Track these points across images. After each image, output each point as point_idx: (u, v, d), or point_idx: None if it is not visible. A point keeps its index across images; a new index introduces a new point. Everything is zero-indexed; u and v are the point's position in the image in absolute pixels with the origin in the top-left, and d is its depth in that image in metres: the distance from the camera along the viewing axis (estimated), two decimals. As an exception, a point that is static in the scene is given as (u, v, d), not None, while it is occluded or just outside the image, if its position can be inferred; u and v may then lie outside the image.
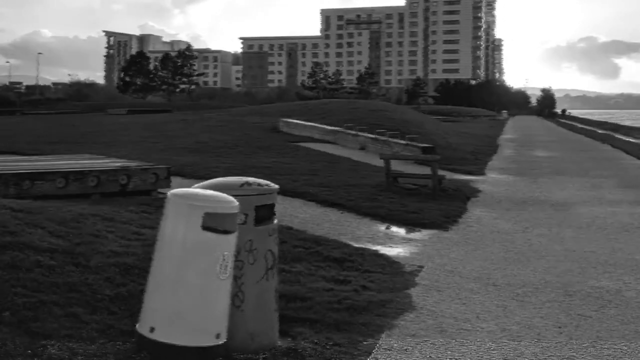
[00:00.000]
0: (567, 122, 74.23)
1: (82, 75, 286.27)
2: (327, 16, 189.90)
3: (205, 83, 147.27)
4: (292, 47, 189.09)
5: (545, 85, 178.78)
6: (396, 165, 14.58)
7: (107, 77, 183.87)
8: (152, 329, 3.85)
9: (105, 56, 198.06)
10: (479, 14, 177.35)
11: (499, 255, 7.91)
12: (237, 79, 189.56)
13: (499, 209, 11.57)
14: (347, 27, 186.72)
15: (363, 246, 7.98)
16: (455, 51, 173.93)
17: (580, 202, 12.58)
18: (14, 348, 3.86)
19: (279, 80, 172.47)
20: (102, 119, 41.06)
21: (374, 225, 9.68)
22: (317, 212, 10.38)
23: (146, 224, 7.26)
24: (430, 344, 4.74)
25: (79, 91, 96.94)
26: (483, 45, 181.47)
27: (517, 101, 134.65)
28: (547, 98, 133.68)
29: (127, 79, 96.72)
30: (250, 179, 4.33)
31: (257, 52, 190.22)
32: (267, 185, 4.34)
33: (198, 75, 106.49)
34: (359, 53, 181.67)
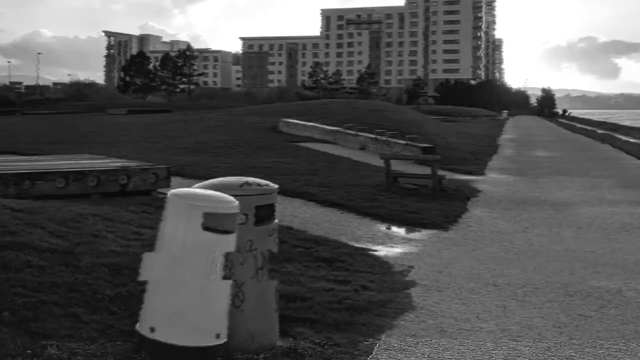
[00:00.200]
0: (567, 122, 74.21)
1: (82, 75, 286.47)
2: (327, 16, 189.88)
3: (205, 83, 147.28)
4: (292, 47, 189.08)
5: (545, 85, 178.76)
6: (396, 165, 14.58)
7: (107, 77, 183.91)
8: (152, 329, 3.85)
9: (105, 56, 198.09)
10: (479, 14, 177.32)
11: (499, 255, 7.91)
12: (237, 79, 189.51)
13: (499, 209, 11.57)
14: (347, 27, 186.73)
15: (363, 246, 7.99)
16: (455, 51, 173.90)
17: (580, 202, 12.58)
18: (14, 348, 3.86)
19: (279, 80, 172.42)
20: (102, 119, 41.07)
21: (374, 225, 9.69)
22: (317, 212, 10.38)
23: (146, 224, 7.27)
24: (430, 344, 4.74)
25: (79, 91, 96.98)
26: (483, 45, 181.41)
27: (517, 101, 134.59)
28: (547, 98, 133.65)
29: (127, 79, 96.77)
30: (250, 179, 4.33)
31: (257, 52, 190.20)
32: (267, 185, 4.35)
33: (198, 75, 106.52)
34: (359, 53, 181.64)
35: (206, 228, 3.82)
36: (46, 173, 9.83)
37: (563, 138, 40.01)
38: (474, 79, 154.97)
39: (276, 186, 4.41)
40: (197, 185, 4.24)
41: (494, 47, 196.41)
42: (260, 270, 4.26)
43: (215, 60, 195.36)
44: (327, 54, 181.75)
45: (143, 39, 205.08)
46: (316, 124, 26.49)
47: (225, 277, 3.90)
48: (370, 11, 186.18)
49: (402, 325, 5.09)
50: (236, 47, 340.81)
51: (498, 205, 12.10)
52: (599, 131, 40.92)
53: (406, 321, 5.21)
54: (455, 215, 10.56)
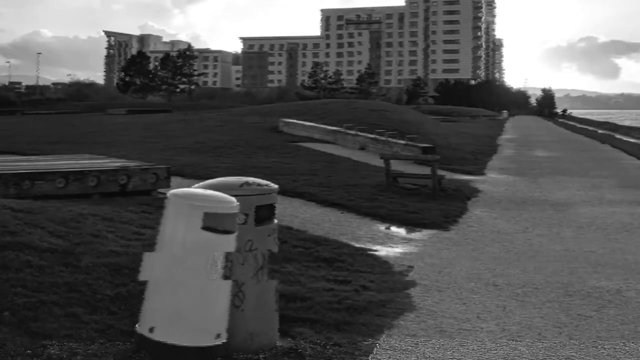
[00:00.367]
0: (568, 122, 74.20)
1: (82, 76, 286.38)
2: (327, 16, 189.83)
3: (205, 83, 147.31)
4: (292, 47, 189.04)
5: (545, 85, 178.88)
6: (396, 165, 14.58)
7: (107, 77, 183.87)
8: (152, 329, 3.84)
9: (105, 56, 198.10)
10: (479, 14, 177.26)
11: (499, 255, 7.91)
12: (237, 79, 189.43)
13: (499, 209, 11.57)
14: (347, 27, 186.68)
15: (363, 246, 7.99)
16: (455, 51, 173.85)
17: (580, 202, 12.58)
18: (14, 348, 3.86)
19: (279, 80, 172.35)
20: (102, 119, 41.08)
21: (374, 225, 9.69)
22: (317, 212, 10.38)
23: (146, 224, 7.26)
24: (431, 344, 4.74)
25: (79, 91, 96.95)
26: (483, 45, 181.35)
27: (517, 101, 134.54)
28: (547, 98, 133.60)
29: (127, 79, 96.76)
30: (250, 179, 4.33)
31: (257, 52, 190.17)
32: (267, 185, 4.34)
33: (198, 75, 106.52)
34: (359, 53, 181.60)
35: (206, 228, 3.82)
36: (46, 173, 9.83)
37: (563, 138, 40.00)
38: (474, 79, 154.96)
39: (276, 186, 4.41)
40: (197, 185, 4.24)
41: (494, 47, 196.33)
42: (261, 270, 4.26)
43: (215, 60, 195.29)
44: (327, 54, 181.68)
45: (143, 39, 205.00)
46: (316, 124, 26.49)
47: (225, 277, 3.90)
48: (370, 11, 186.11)
49: (402, 325, 5.09)
50: (236, 47, 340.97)
51: (498, 205, 12.10)
52: (600, 131, 40.90)
53: (406, 321, 5.21)
54: (455, 215, 10.56)
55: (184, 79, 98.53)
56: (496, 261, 7.58)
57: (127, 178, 10.30)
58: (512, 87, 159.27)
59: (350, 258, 7.11)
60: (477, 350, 4.63)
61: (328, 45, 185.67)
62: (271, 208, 4.33)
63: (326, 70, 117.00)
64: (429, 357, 4.50)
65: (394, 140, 20.94)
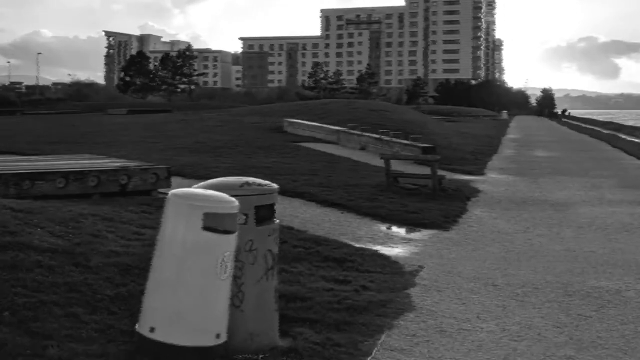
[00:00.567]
0: (571, 122, 74.17)
1: (82, 76, 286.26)
2: (327, 16, 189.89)
3: (205, 83, 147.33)
4: (292, 47, 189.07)
5: (545, 85, 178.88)
6: (396, 165, 14.58)
7: (107, 77, 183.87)
8: (152, 329, 3.84)
9: (105, 56, 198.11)
10: (479, 14, 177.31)
11: (498, 255, 7.91)
12: (237, 79, 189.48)
13: (499, 209, 11.57)
14: (347, 27, 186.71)
15: (363, 246, 7.98)
16: (455, 51, 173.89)
17: (580, 202, 12.58)
18: (14, 348, 3.86)
19: (279, 80, 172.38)
20: (102, 119, 41.08)
21: (374, 225, 9.68)
22: (317, 212, 10.38)
23: (146, 224, 7.27)
24: (430, 344, 4.74)
25: (79, 91, 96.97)
26: (483, 45, 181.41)
27: (517, 101, 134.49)
28: (547, 98, 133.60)
29: (127, 78, 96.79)
30: (250, 179, 4.33)
31: (257, 52, 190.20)
32: (267, 185, 4.34)
33: (198, 75, 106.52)
34: (359, 53, 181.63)
35: (206, 228, 3.82)
36: (46, 173, 9.82)
37: (564, 138, 39.98)
38: (474, 79, 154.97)
39: (276, 186, 4.41)
40: (197, 185, 4.24)
41: (494, 47, 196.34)
42: (270, 271, 4.27)
43: (215, 60, 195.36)
44: (327, 54, 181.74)
45: (143, 39, 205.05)
46: (321, 124, 26.49)
47: (235, 278, 3.92)
48: (370, 11, 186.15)
49: (402, 325, 5.10)
50: (236, 47, 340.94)
51: (498, 205, 12.09)
52: (604, 131, 40.82)
53: (406, 321, 5.21)
54: (455, 215, 10.56)
55: (184, 79, 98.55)
56: (496, 261, 7.58)
57: (127, 178, 10.30)
58: (512, 87, 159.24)
59: (351, 258, 7.09)
60: (477, 350, 4.63)
61: (328, 46, 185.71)
62: (271, 208, 4.33)
63: (326, 70, 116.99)
64: (429, 357, 4.51)
65: (398, 140, 20.91)
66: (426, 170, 13.55)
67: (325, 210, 10.53)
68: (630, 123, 61.94)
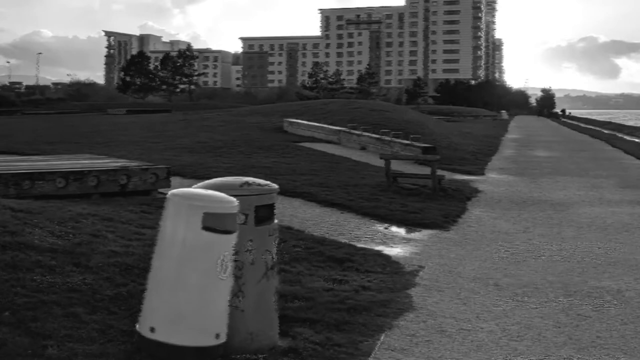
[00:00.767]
0: (568, 122, 74.24)
1: (82, 76, 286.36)
2: (327, 16, 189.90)
3: (205, 83, 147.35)
4: (292, 47, 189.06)
5: (545, 85, 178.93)
6: (396, 165, 14.57)
7: (107, 77, 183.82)
8: (152, 329, 3.84)
9: (105, 56, 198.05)
10: (479, 14, 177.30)
11: (498, 255, 7.91)
12: (237, 79, 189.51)
13: (499, 209, 11.57)
14: (347, 27, 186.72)
15: (363, 246, 7.98)
16: (455, 51, 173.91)
17: (580, 202, 12.58)
18: (14, 348, 3.86)
19: (279, 80, 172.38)
20: (102, 119, 41.08)
21: (374, 225, 9.68)
22: (317, 212, 10.37)
23: (146, 224, 7.26)
24: (431, 344, 4.74)
25: (79, 91, 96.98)
26: (483, 45, 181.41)
27: (517, 101, 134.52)
28: (547, 98, 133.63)
29: (128, 79, 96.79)
30: (250, 179, 4.33)
31: (257, 52, 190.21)
32: (267, 185, 4.34)
33: (198, 75, 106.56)
34: (359, 53, 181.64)
35: (206, 228, 3.82)
36: (46, 173, 9.82)
37: (565, 138, 39.97)
38: (474, 79, 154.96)
39: (276, 186, 4.41)
40: (197, 185, 4.24)
41: (494, 47, 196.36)
42: (270, 271, 4.27)
43: (215, 60, 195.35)
44: (327, 54, 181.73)
45: (143, 39, 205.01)
46: (321, 124, 26.48)
47: (236, 278, 3.91)
48: (370, 11, 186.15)
49: (402, 326, 5.09)
50: (236, 47, 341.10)
51: (498, 205, 12.09)
52: (605, 131, 40.84)
53: (406, 321, 5.21)
54: (455, 215, 10.55)
55: (184, 79, 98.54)
56: (496, 261, 7.58)
57: (127, 178, 10.30)
58: (512, 87, 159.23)
59: (351, 258, 7.09)
60: (477, 350, 4.63)
61: (328, 46, 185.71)
62: (271, 208, 4.33)
63: (326, 71, 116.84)
64: (429, 357, 4.51)
65: (398, 140, 20.88)
66: (426, 170, 13.54)
67: (325, 210, 10.53)
68: (631, 123, 62.02)
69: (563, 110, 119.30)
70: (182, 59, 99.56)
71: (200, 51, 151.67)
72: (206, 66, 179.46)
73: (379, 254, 7.58)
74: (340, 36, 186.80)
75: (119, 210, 8.14)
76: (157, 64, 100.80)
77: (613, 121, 71.48)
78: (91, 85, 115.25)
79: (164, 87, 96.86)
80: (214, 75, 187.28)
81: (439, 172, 13.10)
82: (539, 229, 9.75)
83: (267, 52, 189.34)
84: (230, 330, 4.02)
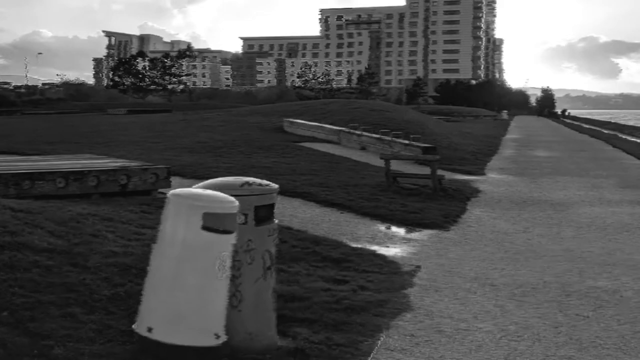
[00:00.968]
0: (568, 122, 74.23)
1: (82, 76, 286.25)
2: (327, 16, 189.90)
3: (204, 83, 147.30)
4: (292, 47, 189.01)
5: (545, 85, 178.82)
6: (396, 165, 14.58)
7: (96, 77, 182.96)
8: (149, 329, 3.85)
9: (105, 56, 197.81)
10: (479, 14, 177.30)
11: (498, 255, 7.92)
12: (227, 79, 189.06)
13: (498, 209, 11.57)
14: (346, 27, 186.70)
15: (362, 246, 7.98)
16: (455, 51, 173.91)
17: (580, 202, 12.58)
18: (16, 348, 3.86)
19: (269, 81, 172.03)
20: (102, 119, 41.06)
21: (374, 225, 9.68)
22: (316, 212, 10.38)
23: (146, 224, 7.27)
24: (430, 344, 4.74)
25: (79, 91, 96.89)
26: (483, 45, 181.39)
27: (517, 101, 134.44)
28: (547, 98, 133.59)
29: (117, 79, 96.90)
30: (251, 179, 4.33)
31: (257, 52, 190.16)
32: (267, 185, 4.34)
33: (187, 75, 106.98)
34: (359, 53, 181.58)
35: (206, 228, 3.83)
36: (46, 173, 9.83)
37: (566, 138, 39.97)
38: (474, 79, 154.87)
39: (277, 186, 4.41)
40: (197, 185, 4.24)
41: (494, 47, 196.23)
42: (268, 271, 4.27)
43: (215, 60, 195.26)
44: (327, 54, 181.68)
45: (143, 39, 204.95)
46: (321, 124, 26.48)
47: (233, 277, 3.91)
48: (370, 11, 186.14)
49: (400, 326, 5.10)
50: (236, 47, 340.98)
51: (498, 205, 12.09)
52: (605, 131, 40.85)
53: (404, 321, 5.21)
54: (455, 215, 10.55)
55: (174, 79, 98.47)
56: (495, 261, 7.58)
57: (127, 178, 10.30)
58: (512, 87, 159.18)
59: (350, 258, 7.10)
60: (475, 350, 4.63)
61: (328, 46, 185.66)
62: (270, 208, 4.33)
63: (314, 71, 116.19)
64: (428, 357, 4.51)
65: (398, 140, 20.88)
66: (426, 170, 13.55)
67: (325, 210, 10.53)
68: (631, 123, 62.02)
69: (564, 111, 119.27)
70: (171, 60, 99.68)
71: (200, 51, 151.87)
72: (205, 66, 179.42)
73: (378, 254, 7.58)
74: (340, 36, 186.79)
75: (119, 210, 8.14)
76: (145, 64, 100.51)
77: (613, 121, 71.51)
78: (92, 85, 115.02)
79: (153, 87, 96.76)
80: (203, 75, 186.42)
81: (439, 172, 13.10)
82: (538, 229, 9.75)
83: (267, 52, 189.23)
84: (229, 330, 4.02)
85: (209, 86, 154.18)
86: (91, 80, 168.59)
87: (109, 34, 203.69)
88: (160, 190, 10.39)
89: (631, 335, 5.06)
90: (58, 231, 6.18)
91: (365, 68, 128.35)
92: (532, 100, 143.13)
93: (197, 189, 4.10)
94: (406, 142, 20.25)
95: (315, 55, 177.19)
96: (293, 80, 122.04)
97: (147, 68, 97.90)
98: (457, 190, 13.03)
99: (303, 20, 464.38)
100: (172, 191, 4.08)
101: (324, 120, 28.36)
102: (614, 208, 11.79)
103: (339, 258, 7.03)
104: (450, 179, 14.10)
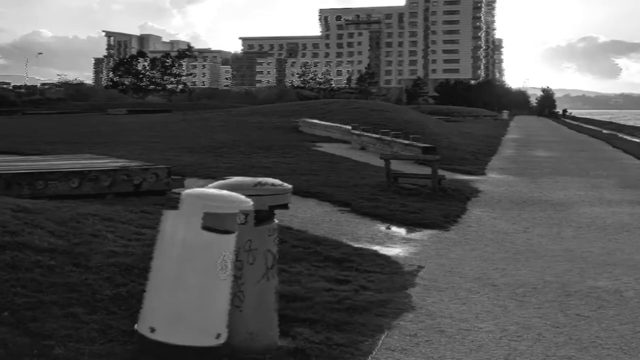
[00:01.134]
0: (568, 122, 74.20)
1: (82, 77, 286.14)
2: (326, 16, 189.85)
3: (204, 83, 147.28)
4: (292, 47, 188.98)
5: (545, 85, 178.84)
6: (397, 165, 14.57)
7: (96, 77, 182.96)
8: (152, 329, 3.84)
9: (105, 56, 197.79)
10: (479, 14, 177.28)
11: (498, 255, 7.91)
12: (227, 79, 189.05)
13: (499, 209, 11.57)
14: (346, 27, 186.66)
15: (363, 246, 7.98)
16: (455, 51, 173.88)
17: (580, 202, 12.58)
18: (17, 348, 3.86)
19: (268, 81, 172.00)
20: (102, 119, 41.08)
21: (374, 225, 9.68)
22: (316, 212, 10.37)
23: (146, 224, 7.26)
24: (431, 344, 4.74)
25: (79, 91, 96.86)
26: (483, 45, 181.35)
27: (517, 101, 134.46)
28: (547, 98, 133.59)
29: (116, 79, 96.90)
30: (263, 179, 4.31)
31: (257, 52, 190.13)
32: (280, 185, 4.32)
33: (187, 75, 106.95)
34: (359, 53, 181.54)
35: (206, 228, 3.82)
36: (46, 173, 9.82)
37: (566, 138, 39.97)
38: (474, 79, 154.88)
39: (290, 186, 4.38)
40: (210, 185, 4.24)
41: (494, 47, 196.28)
42: (270, 271, 4.27)
43: (215, 60, 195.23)
44: (327, 54, 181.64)
45: (143, 39, 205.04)
46: (338, 125, 26.54)
47: (235, 278, 3.91)
48: (370, 11, 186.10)
49: (401, 326, 5.10)
50: (236, 47, 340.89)
51: (498, 205, 12.09)
52: (604, 131, 40.86)
53: (405, 321, 5.21)
54: (455, 215, 10.55)
55: (173, 79, 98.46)
56: (496, 261, 7.58)
57: (141, 178, 10.26)
58: (512, 87, 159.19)
59: (350, 258, 7.08)
60: (476, 350, 4.63)
61: (328, 45, 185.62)
62: (271, 208, 4.32)
63: (314, 71, 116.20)
64: (429, 357, 4.51)
65: (398, 140, 20.89)
66: (426, 170, 13.55)
67: (325, 210, 10.53)
68: (631, 123, 62.01)
69: (564, 110, 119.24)
70: (171, 60, 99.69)
71: (200, 51, 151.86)
72: (205, 66, 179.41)
73: (379, 254, 7.58)
74: (340, 36, 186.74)
75: (119, 210, 8.13)
76: (145, 64, 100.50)
77: (613, 121, 71.49)
78: (86, 86, 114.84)
79: (152, 87, 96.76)
80: (203, 75, 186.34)
81: (439, 172, 13.10)
82: (538, 229, 9.75)
83: (267, 52, 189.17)
84: (230, 330, 4.02)
85: (208, 86, 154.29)
86: (91, 81, 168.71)
87: (108, 34, 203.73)
88: (174, 190, 10.32)
89: (632, 335, 5.05)
90: (58, 231, 6.17)
91: (365, 68, 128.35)
92: (532, 100, 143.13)
93: (198, 189, 4.10)
94: (406, 142, 20.24)
95: (315, 55, 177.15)
96: (293, 81, 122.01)
97: (147, 68, 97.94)
98: (457, 190, 13.03)
99: (303, 20, 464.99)
100: (172, 190, 4.08)
101: (324, 120, 28.37)
102: (614, 208, 11.79)
103: (340, 258, 7.02)
104: (450, 179, 14.10)
